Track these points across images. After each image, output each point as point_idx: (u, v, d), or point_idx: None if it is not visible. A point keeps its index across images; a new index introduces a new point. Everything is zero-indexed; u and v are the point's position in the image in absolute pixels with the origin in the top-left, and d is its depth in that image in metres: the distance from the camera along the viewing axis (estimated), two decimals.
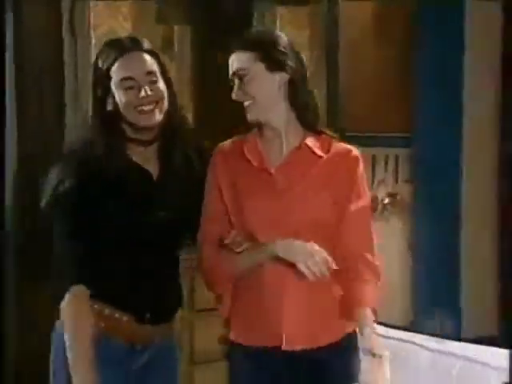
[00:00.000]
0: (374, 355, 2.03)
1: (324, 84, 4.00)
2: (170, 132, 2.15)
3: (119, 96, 2.08)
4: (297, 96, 2.09)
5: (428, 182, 4.30)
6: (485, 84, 4.13)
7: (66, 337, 2.03)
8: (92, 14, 3.36)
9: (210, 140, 2.27)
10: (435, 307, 4.09)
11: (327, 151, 2.11)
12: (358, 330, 2.09)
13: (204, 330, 3.58)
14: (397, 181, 4.47)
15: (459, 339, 3.08)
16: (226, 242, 2.08)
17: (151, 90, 2.07)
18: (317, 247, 2.00)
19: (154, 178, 2.14)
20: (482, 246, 4.17)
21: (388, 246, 4.16)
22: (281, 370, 2.09)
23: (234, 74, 2.09)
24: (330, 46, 4.10)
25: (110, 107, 2.09)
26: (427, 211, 4.28)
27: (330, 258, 1.99)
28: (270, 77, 2.08)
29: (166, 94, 2.11)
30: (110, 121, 2.09)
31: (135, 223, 2.09)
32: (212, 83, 3.56)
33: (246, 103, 2.08)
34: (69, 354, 2.03)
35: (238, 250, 2.07)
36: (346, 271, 2.08)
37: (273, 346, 2.07)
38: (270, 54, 2.07)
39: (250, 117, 2.10)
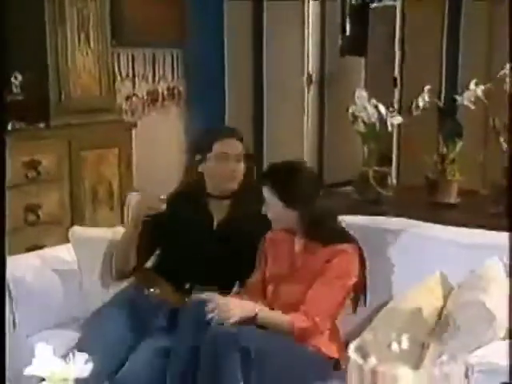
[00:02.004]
0: None
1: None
2: (239, 194, 2.85)
3: (211, 164, 2.81)
4: (305, 225, 2.63)
5: (198, 77, 5.23)
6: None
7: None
8: None
9: None
10: None
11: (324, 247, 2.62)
12: None
13: None
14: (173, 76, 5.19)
15: None
16: None
17: (237, 167, 2.80)
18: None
19: (216, 223, 2.85)
20: None
21: (166, 132, 4.96)
22: None
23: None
24: None
25: (200, 169, 2.84)
26: (198, 102, 5.20)
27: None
28: (286, 211, 2.62)
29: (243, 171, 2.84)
30: (196, 178, 2.84)
31: (189, 251, 2.78)
32: None
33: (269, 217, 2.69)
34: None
35: None
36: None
37: None
38: (286, 196, 2.61)
39: (273, 227, 2.73)
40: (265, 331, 2.56)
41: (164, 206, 2.73)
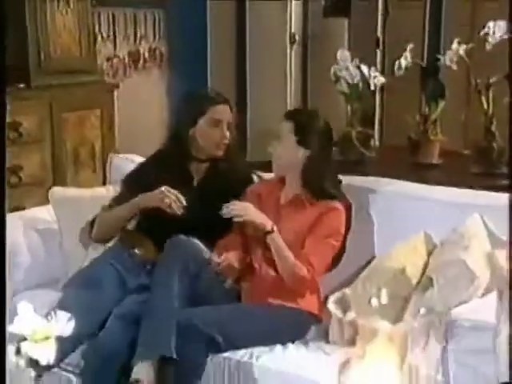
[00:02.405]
0: None
1: None
2: (220, 160, 2.90)
3: (204, 129, 2.84)
4: (309, 170, 2.65)
5: (180, 38, 5.18)
6: None
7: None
8: None
9: None
10: None
11: (313, 204, 2.67)
12: None
13: None
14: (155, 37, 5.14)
15: None
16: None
17: (227, 134, 2.85)
18: None
19: (196, 181, 2.90)
20: None
21: (148, 93, 4.96)
22: None
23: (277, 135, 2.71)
24: None
25: (191, 133, 2.85)
26: (180, 63, 5.15)
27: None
28: (297, 148, 2.64)
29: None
30: (184, 140, 2.86)
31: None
32: None
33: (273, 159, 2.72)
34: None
35: None
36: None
37: None
38: (302, 131, 2.64)
39: (274, 171, 2.75)
40: (231, 308, 2.59)
41: (181, 212, 2.72)
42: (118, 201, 2.90)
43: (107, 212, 2.90)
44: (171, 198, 2.69)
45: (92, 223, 2.92)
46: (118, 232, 2.88)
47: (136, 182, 2.89)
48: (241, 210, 2.60)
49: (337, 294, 0.95)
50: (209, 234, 2.75)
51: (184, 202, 2.70)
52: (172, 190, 2.71)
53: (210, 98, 2.91)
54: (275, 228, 2.60)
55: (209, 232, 2.76)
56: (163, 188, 2.72)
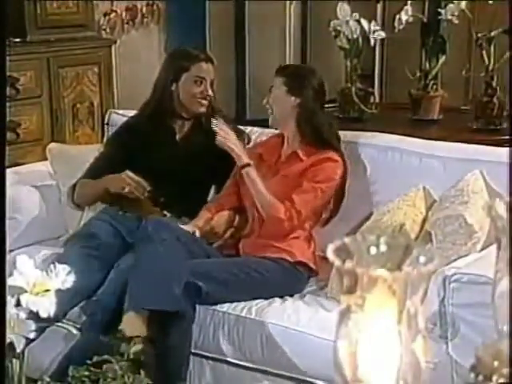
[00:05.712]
0: None
1: None
2: (203, 117, 2.92)
3: (186, 85, 2.85)
4: (302, 117, 2.69)
5: None
6: None
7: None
8: None
9: None
10: None
11: (309, 156, 2.68)
12: None
13: None
14: None
15: None
16: None
17: (210, 91, 2.87)
18: None
19: (178, 139, 2.93)
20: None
21: (146, 50, 4.90)
22: None
23: (270, 88, 2.77)
24: None
25: (173, 88, 2.87)
26: (179, 18, 5.12)
27: None
28: (287, 97, 2.68)
29: None
30: (166, 96, 2.88)
31: (158, 166, 2.84)
32: None
33: (269, 111, 2.76)
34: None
35: None
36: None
37: None
38: (292, 81, 2.70)
39: (270, 124, 2.80)
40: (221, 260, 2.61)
41: (146, 195, 2.74)
42: (96, 168, 2.92)
43: (84, 183, 2.92)
44: (132, 186, 2.71)
45: (74, 187, 2.95)
46: (99, 200, 2.90)
47: (120, 141, 2.96)
48: (224, 134, 2.68)
49: (336, 243, 0.95)
50: (195, 188, 2.83)
51: (148, 187, 2.73)
52: (133, 177, 2.72)
53: (194, 55, 2.92)
54: (251, 163, 2.65)
55: (194, 186, 2.83)
56: (124, 175, 2.73)
